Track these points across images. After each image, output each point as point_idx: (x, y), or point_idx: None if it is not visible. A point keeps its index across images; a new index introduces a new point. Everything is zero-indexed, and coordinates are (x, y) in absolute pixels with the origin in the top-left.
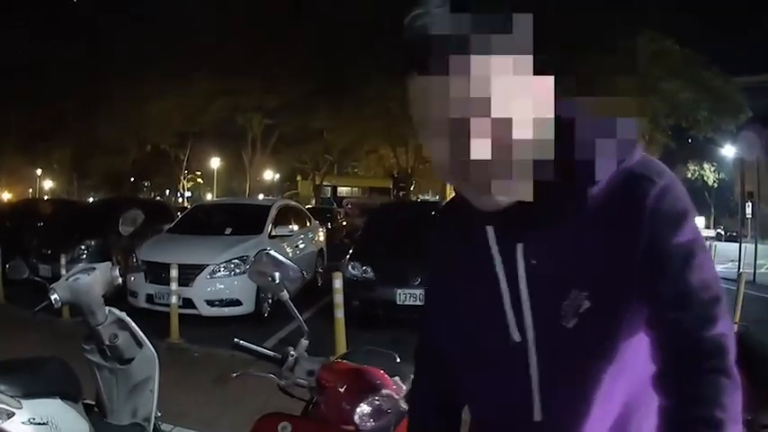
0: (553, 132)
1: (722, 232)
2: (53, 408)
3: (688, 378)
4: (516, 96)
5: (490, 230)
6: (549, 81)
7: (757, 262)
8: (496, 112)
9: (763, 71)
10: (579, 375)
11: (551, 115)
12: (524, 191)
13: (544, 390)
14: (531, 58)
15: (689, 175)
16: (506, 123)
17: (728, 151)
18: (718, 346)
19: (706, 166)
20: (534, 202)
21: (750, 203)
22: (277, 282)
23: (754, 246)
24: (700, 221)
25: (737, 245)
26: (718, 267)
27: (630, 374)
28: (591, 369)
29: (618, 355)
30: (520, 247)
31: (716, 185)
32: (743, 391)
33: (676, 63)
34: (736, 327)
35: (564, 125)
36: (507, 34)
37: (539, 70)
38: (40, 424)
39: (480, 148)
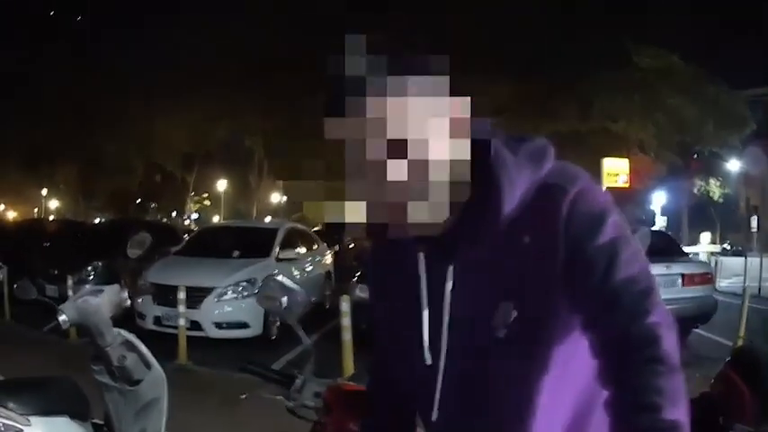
0: (469, 153)
1: (728, 247)
2: (62, 426)
3: (624, 372)
4: (434, 117)
5: (421, 256)
6: (465, 102)
7: (762, 275)
8: (413, 133)
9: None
10: (514, 385)
11: (468, 137)
12: (442, 214)
13: (451, 408)
14: (447, 78)
15: (695, 191)
16: (424, 144)
17: (733, 166)
18: (651, 336)
19: (711, 181)
20: (460, 225)
21: (756, 217)
22: (284, 306)
23: (759, 259)
24: (705, 237)
25: (743, 259)
26: (724, 282)
27: (578, 376)
28: (527, 377)
29: (556, 360)
30: (450, 270)
31: (721, 200)
32: (748, 403)
33: (682, 79)
34: (740, 341)
35: (479, 145)
36: (423, 56)
37: (456, 91)
38: None
39: (398, 170)
